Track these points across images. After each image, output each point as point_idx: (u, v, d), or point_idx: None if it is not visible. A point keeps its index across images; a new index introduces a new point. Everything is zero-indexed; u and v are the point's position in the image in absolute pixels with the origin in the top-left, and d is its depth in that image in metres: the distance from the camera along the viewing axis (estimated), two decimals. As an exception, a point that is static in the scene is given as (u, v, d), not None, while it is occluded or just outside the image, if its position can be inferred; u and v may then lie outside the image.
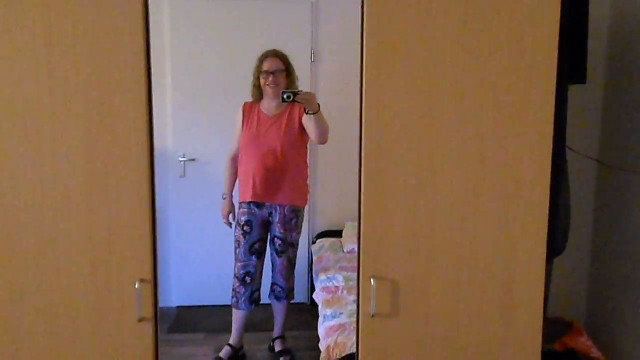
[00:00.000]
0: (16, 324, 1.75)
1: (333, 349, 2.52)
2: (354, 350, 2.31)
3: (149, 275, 1.72)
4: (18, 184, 1.69)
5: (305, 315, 3.67)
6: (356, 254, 3.09)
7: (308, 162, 3.33)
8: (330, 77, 3.93)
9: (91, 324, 1.75)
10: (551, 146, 1.77)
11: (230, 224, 3.28)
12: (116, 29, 1.64)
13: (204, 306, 3.84)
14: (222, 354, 3.27)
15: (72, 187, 1.69)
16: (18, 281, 1.73)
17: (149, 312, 1.73)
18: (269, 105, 3.18)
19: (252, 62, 3.21)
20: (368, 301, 1.77)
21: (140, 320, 1.72)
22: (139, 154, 1.70)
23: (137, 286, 1.70)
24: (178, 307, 3.80)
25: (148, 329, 1.74)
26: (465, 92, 1.72)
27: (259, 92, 3.20)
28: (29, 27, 1.64)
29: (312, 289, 3.68)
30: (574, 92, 2.21)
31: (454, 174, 1.75)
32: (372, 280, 1.75)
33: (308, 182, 3.36)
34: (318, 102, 3.04)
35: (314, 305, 3.50)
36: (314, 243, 3.95)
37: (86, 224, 1.71)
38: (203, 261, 3.84)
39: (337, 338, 2.56)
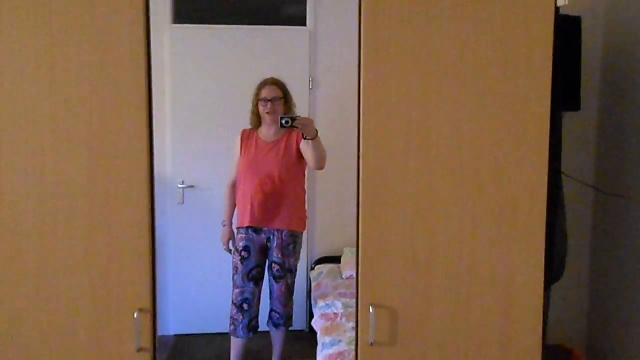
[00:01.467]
0: (14, 353, 1.74)
1: (332, 377, 2.51)
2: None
3: (148, 305, 1.71)
4: (18, 213, 1.69)
5: (304, 342, 3.65)
6: (355, 280, 3.08)
7: (306, 188, 3.34)
8: (328, 104, 3.96)
9: (90, 354, 1.74)
10: (547, 172, 1.79)
11: (230, 251, 3.28)
12: (118, 59, 1.67)
13: (202, 334, 3.81)
14: (220, 383, 3.25)
15: (72, 215, 1.70)
16: (17, 310, 1.72)
17: (147, 341, 1.72)
18: (267, 132, 3.20)
19: (251, 90, 3.24)
20: (367, 329, 1.77)
21: (139, 350, 1.71)
22: (139, 183, 1.71)
23: (136, 316, 1.70)
24: (176, 335, 3.78)
25: (147, 359, 1.73)
26: (462, 120, 1.74)
27: (257, 119, 3.23)
28: (32, 61, 1.66)
29: (311, 316, 3.66)
30: (569, 119, 2.24)
31: (452, 202, 1.76)
32: (370, 308, 1.75)
33: (306, 207, 3.36)
34: (316, 128, 3.06)
35: (312, 332, 3.48)
36: (312, 269, 3.94)
37: (85, 253, 1.71)
38: (201, 289, 3.83)
39: (336, 366, 2.54)
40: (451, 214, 1.77)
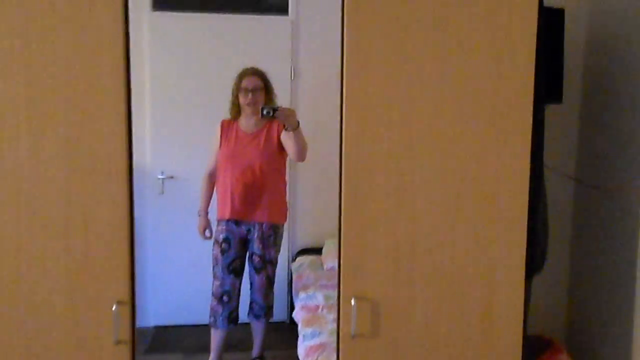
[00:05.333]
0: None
1: (313, 369, 2.50)
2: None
3: (126, 297, 1.69)
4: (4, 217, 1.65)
5: (285, 333, 3.64)
6: (336, 272, 3.07)
7: (287, 179, 3.32)
8: (310, 94, 3.93)
9: (67, 346, 1.71)
10: (529, 165, 1.79)
11: (207, 238, 3.26)
12: (95, 47, 1.63)
13: (182, 325, 3.79)
14: (200, 375, 3.23)
15: (49, 207, 1.66)
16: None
17: (126, 334, 1.69)
18: (247, 122, 3.17)
19: (231, 80, 3.21)
20: (348, 321, 1.76)
21: (118, 342, 1.69)
22: (117, 173, 1.67)
23: (114, 308, 1.67)
24: (155, 326, 3.74)
25: (125, 351, 1.71)
26: (443, 112, 1.73)
27: (237, 110, 3.20)
28: (8, 48, 1.61)
29: (292, 307, 3.65)
30: (551, 111, 2.24)
31: (434, 194, 1.76)
32: (352, 300, 1.74)
33: (287, 199, 3.34)
34: (297, 119, 3.04)
35: (293, 323, 3.47)
36: (293, 260, 3.93)
37: (63, 245, 1.67)
38: (181, 279, 3.79)
39: (317, 358, 2.53)
40: (433, 206, 1.76)
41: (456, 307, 1.81)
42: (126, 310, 1.69)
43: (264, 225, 3.17)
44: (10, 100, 1.63)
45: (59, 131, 1.64)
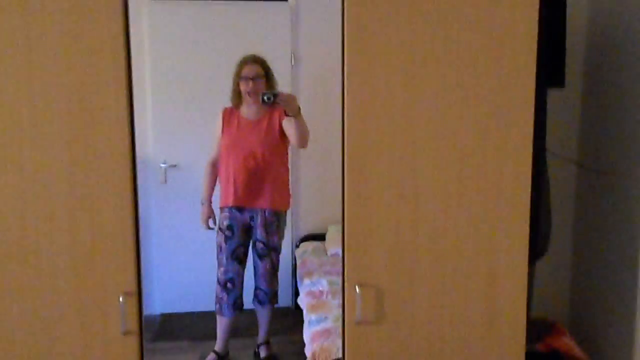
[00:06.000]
0: (6, 336, 1.72)
1: (319, 355, 2.52)
2: (340, 356, 2.31)
3: (133, 287, 1.70)
4: (3, 212, 1.66)
5: (290, 319, 3.66)
6: (340, 258, 3.09)
7: (289, 166, 3.32)
8: (311, 80, 3.92)
9: (75, 338, 1.73)
10: (531, 150, 1.79)
11: (210, 229, 3.27)
12: (96, 38, 1.63)
13: (188, 313, 3.81)
14: (206, 360, 3.26)
15: (53, 199, 1.67)
16: (0, 296, 1.70)
17: (133, 324, 1.71)
18: (248, 110, 3.17)
19: (232, 67, 3.20)
20: (353, 308, 1.77)
21: (125, 333, 1.70)
22: (120, 164, 1.68)
23: (121, 299, 1.69)
24: (162, 314, 3.77)
25: (133, 341, 1.72)
26: (445, 97, 1.73)
27: (238, 97, 3.20)
28: (8, 39, 1.61)
29: (297, 293, 3.67)
30: (553, 95, 2.23)
31: (437, 180, 1.76)
32: (356, 287, 1.75)
33: (289, 186, 3.35)
34: (299, 105, 3.03)
35: (298, 309, 3.50)
36: (297, 247, 3.94)
37: (68, 237, 1.68)
38: (186, 267, 3.81)
39: (322, 343, 2.55)
40: (436, 191, 1.77)
41: (460, 292, 1.83)
42: (133, 300, 1.71)
43: (266, 212, 3.18)
44: (12, 92, 1.63)
45: (62, 122, 1.65)
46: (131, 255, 1.70)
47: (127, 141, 1.68)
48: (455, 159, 1.76)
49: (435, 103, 1.73)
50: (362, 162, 1.74)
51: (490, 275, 1.84)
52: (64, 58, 1.63)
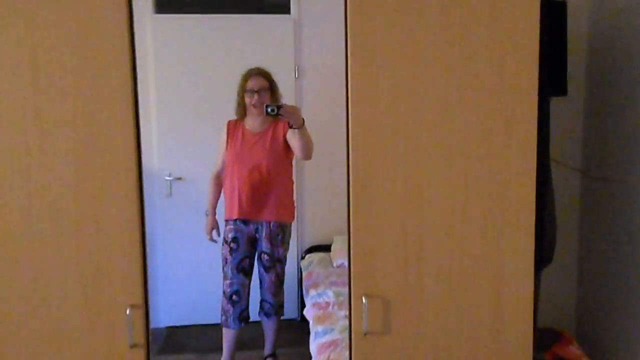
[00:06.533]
0: (6, 352, 1.73)
1: (325, 366, 2.52)
2: (347, 367, 2.31)
3: (139, 300, 1.71)
4: (6, 212, 1.67)
5: (296, 331, 3.66)
6: (345, 269, 3.09)
7: (294, 178, 3.34)
8: (315, 92, 3.94)
9: (82, 351, 1.73)
10: (535, 158, 1.80)
11: (214, 241, 3.28)
12: (101, 51, 1.64)
13: (193, 325, 3.81)
14: (213, 375, 3.26)
15: (60, 212, 1.68)
16: (7, 309, 1.71)
17: (140, 337, 1.72)
18: (253, 122, 3.18)
19: (236, 79, 3.22)
20: (360, 319, 1.77)
21: (132, 346, 1.71)
22: (127, 177, 1.69)
23: (128, 312, 1.69)
24: (167, 327, 3.77)
25: (140, 354, 1.73)
26: (449, 107, 1.74)
27: (242, 110, 3.21)
28: (14, 53, 1.63)
29: (302, 305, 3.67)
30: (556, 104, 2.24)
31: (442, 189, 1.77)
32: (363, 298, 1.75)
33: (294, 197, 3.36)
34: (303, 117, 3.05)
35: (304, 320, 3.49)
36: (302, 258, 3.95)
37: (76, 251, 1.69)
38: (191, 280, 3.82)
39: (329, 355, 2.55)
40: (441, 201, 1.77)
41: (466, 301, 1.83)
42: (140, 313, 1.71)
43: (271, 224, 3.19)
44: (18, 106, 1.64)
45: (68, 135, 1.66)
46: (138, 268, 1.71)
47: (133, 154, 1.69)
48: (459, 168, 1.77)
49: (439, 113, 1.74)
50: (367, 172, 1.75)
51: (497, 285, 1.84)
52: (70, 71, 1.65)
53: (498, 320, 1.86)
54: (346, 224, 1.80)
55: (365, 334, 1.79)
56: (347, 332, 2.61)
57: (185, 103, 3.83)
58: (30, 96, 1.65)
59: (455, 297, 1.82)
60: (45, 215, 1.68)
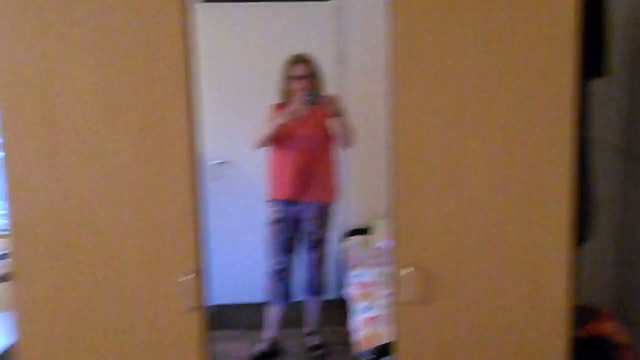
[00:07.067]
0: (72, 314, 1.86)
1: (367, 340, 2.60)
2: (388, 341, 2.39)
3: (195, 267, 1.82)
4: (73, 188, 1.80)
5: (336, 311, 3.77)
6: (386, 251, 3.18)
7: (336, 160, 3.42)
8: (356, 77, 4.02)
9: (143, 315, 1.84)
10: (573, 138, 1.84)
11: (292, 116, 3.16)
12: (157, 39, 1.74)
13: (239, 304, 3.95)
14: (258, 349, 3.38)
15: (123, 187, 1.79)
16: (73, 275, 1.83)
17: (196, 302, 1.83)
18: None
19: (279, 65, 3.29)
20: (403, 289, 1.84)
21: (189, 310, 1.82)
22: (183, 154, 1.79)
23: (185, 278, 1.81)
24: (215, 305, 3.92)
25: (196, 318, 1.84)
26: (490, 90, 1.78)
27: (287, 95, 3.29)
28: (77, 40, 1.75)
29: (343, 286, 3.76)
30: (599, 85, 2.27)
31: (482, 167, 1.82)
32: (405, 269, 1.82)
33: (337, 179, 3.44)
34: (343, 104, 3.14)
35: (344, 301, 3.60)
36: (343, 240, 4.05)
37: (137, 222, 1.80)
38: (237, 261, 3.96)
39: (370, 330, 2.64)
40: (481, 178, 1.83)
41: (505, 275, 1.87)
42: (196, 279, 1.82)
43: (316, 205, 3.28)
44: (87, 94, 1.76)
45: (130, 115, 1.77)
46: (194, 235, 1.81)
47: (188, 131, 1.79)
48: (500, 146, 1.81)
49: (480, 96, 1.79)
50: (410, 154, 1.80)
51: (535, 260, 1.88)
52: (130, 59, 1.75)
53: (536, 294, 1.90)
54: (387, 208, 1.85)
55: (407, 303, 1.86)
56: (387, 309, 2.70)
57: (230, 89, 3.95)
58: (95, 83, 1.76)
59: (495, 270, 1.87)
60: (109, 188, 1.80)
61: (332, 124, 3.19)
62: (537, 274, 1.89)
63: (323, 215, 3.31)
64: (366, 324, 2.70)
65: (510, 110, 1.81)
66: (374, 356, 2.47)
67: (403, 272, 1.84)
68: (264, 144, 3.23)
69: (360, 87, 4.00)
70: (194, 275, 1.82)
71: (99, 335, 1.86)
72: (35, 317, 1.85)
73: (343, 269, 3.75)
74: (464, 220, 1.85)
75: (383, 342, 2.48)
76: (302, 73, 3.20)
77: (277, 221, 3.29)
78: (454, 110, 1.80)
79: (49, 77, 1.77)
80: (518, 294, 1.89)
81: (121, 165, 1.79)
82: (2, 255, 1.85)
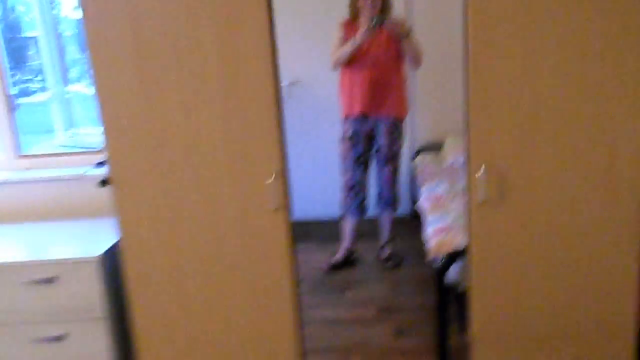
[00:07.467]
0: (167, 218, 2.03)
1: (438, 247, 2.68)
2: (460, 248, 2.47)
3: (280, 170, 1.94)
4: (163, 102, 1.93)
5: (408, 226, 3.88)
6: (456, 168, 3.23)
7: (406, 76, 3.44)
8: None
9: (234, 213, 1.99)
10: None
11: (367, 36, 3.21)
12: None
13: (316, 219, 4.11)
14: (336, 257, 3.55)
15: (210, 99, 1.91)
16: (168, 182, 1.99)
17: (282, 202, 1.96)
18: (366, 23, 3.26)
19: (348, -18, 3.30)
20: (476, 188, 1.90)
21: (276, 208, 1.96)
22: (265, 69, 1.89)
23: (271, 179, 1.94)
24: (293, 221, 4.08)
25: (282, 216, 1.98)
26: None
27: (356, 12, 3.31)
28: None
29: (414, 203, 3.84)
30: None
31: (558, 69, 1.81)
32: (480, 168, 1.88)
33: (407, 95, 3.49)
34: (409, 25, 3.15)
35: (415, 218, 3.68)
36: (414, 158, 4.10)
37: (225, 132, 1.93)
38: (312, 178, 4.08)
39: (443, 237, 2.71)
40: (556, 82, 1.82)
41: (579, 176, 1.89)
42: (281, 181, 1.95)
43: (389, 119, 3.34)
44: (172, 17, 1.87)
45: (214, 35, 1.87)
46: (277, 140, 1.93)
47: (269, 52, 1.89)
48: (574, 41, 1.80)
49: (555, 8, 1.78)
50: (485, 55, 1.81)
51: (610, 161, 1.88)
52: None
53: (610, 195, 1.91)
54: (456, 126, 1.86)
55: (481, 203, 1.92)
56: (459, 220, 2.77)
57: (299, 8, 3.97)
58: (182, 26, 1.87)
59: (569, 171, 1.89)
60: (203, 105, 1.92)
61: (401, 45, 3.22)
62: (612, 173, 1.89)
63: (395, 130, 3.37)
64: (437, 233, 2.77)
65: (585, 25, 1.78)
66: (445, 262, 2.56)
67: (476, 171, 1.89)
68: (340, 64, 3.29)
69: (428, 4, 3.95)
70: (279, 177, 1.94)
71: (193, 237, 2.04)
72: (134, 219, 2.04)
73: (415, 184, 3.83)
74: (537, 121, 1.86)
75: (454, 249, 2.56)
76: (371, -10, 3.20)
77: (351, 137, 3.38)
78: (526, 12, 1.79)
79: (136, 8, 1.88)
80: (592, 191, 1.91)
81: (209, 75, 1.90)
82: (101, 162, 2.03)
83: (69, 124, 3.39)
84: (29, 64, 3.64)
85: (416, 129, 4.16)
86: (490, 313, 2.00)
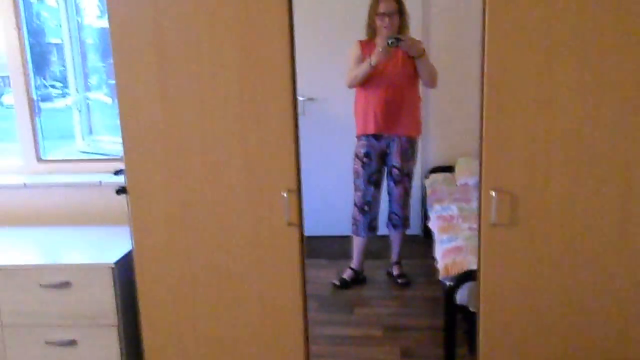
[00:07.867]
0: (181, 227, 2.06)
1: (449, 268, 2.69)
2: (471, 268, 2.48)
3: (294, 185, 1.97)
4: (183, 113, 1.96)
5: (419, 245, 3.89)
6: (469, 188, 3.24)
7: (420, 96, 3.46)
8: (442, 16, 4.00)
9: (248, 227, 2.02)
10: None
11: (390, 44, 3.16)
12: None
13: (326, 236, 4.12)
14: (344, 276, 3.56)
15: (227, 109, 1.94)
16: (184, 193, 2.02)
17: (295, 217, 1.98)
18: (383, 43, 3.29)
19: (365, 2, 3.33)
20: (489, 211, 1.91)
21: (289, 224, 1.98)
22: (283, 82, 1.92)
23: (285, 194, 1.96)
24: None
25: (295, 231, 2.00)
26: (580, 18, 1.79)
27: (373, 31, 3.34)
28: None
29: (425, 223, 3.85)
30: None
31: (572, 97, 1.83)
32: (492, 192, 1.89)
33: (421, 115, 3.51)
34: (424, 46, 3.18)
35: (426, 237, 3.69)
36: (426, 178, 4.12)
37: (241, 146, 1.96)
38: (324, 194, 4.10)
39: (454, 258, 2.72)
40: (570, 106, 1.83)
41: (592, 200, 1.89)
42: (295, 196, 1.97)
43: (402, 138, 3.36)
44: (194, 27, 1.91)
45: (234, 47, 1.91)
46: (292, 157, 1.96)
47: (288, 67, 1.92)
48: (590, 68, 1.81)
49: (571, 23, 1.79)
50: (501, 75, 1.83)
51: (625, 185, 1.88)
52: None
53: (625, 220, 1.90)
54: (469, 144, 1.87)
55: (493, 225, 1.93)
56: (470, 240, 2.78)
57: (315, 25, 4.01)
58: (204, 42, 1.91)
59: (582, 195, 1.89)
60: (217, 114, 1.95)
61: (416, 63, 3.25)
62: (627, 198, 1.89)
63: (408, 149, 3.39)
64: (448, 253, 2.78)
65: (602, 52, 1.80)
66: (455, 283, 2.56)
67: (488, 194, 1.90)
68: (356, 84, 3.32)
69: (446, 23, 3.98)
70: (293, 192, 1.97)
71: (206, 248, 2.07)
72: (148, 228, 2.07)
73: (426, 204, 3.84)
74: (552, 146, 1.87)
75: (464, 270, 2.57)
76: (389, 10, 3.23)
77: (364, 155, 3.40)
78: (543, 37, 1.81)
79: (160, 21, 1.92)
80: (606, 217, 1.90)
81: (228, 90, 1.94)
82: (119, 170, 2.06)
83: (88, 131, 3.44)
84: (51, 69, 3.70)
85: (429, 148, 4.18)
86: (499, 335, 2.01)
